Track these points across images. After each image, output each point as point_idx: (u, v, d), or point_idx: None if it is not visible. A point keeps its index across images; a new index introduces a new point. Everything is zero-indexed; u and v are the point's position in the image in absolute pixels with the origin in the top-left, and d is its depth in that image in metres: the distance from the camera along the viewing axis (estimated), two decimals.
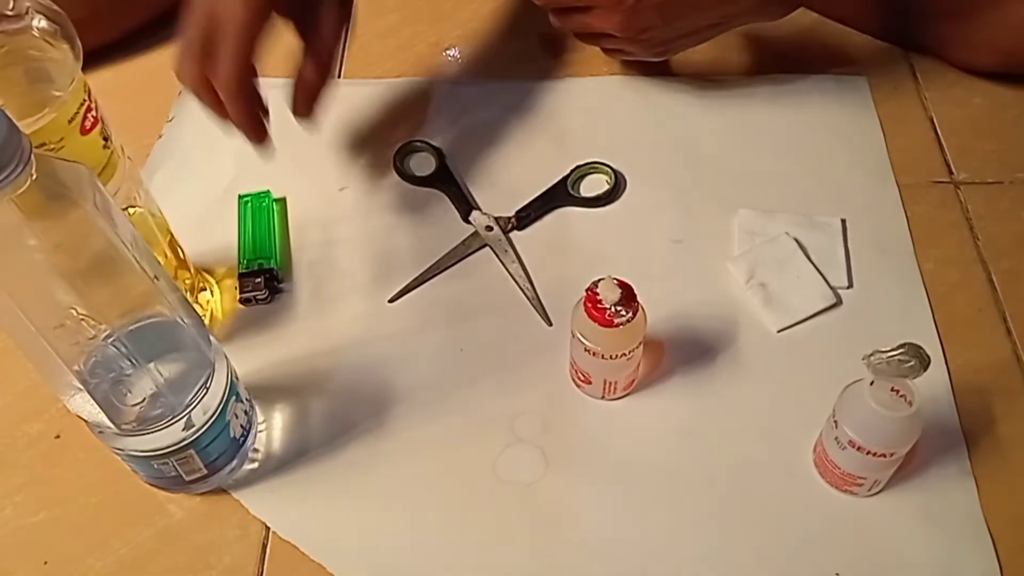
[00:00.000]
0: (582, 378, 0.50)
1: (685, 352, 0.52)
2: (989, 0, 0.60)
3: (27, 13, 0.39)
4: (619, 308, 0.45)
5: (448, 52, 0.71)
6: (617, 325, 0.45)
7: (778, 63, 0.68)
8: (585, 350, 0.47)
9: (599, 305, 0.45)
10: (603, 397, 0.50)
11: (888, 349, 0.41)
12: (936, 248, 0.57)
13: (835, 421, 0.44)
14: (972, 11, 0.62)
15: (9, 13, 0.38)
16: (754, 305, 0.54)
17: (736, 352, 0.52)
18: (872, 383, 0.42)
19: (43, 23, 0.39)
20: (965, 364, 0.51)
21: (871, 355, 0.42)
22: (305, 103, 0.55)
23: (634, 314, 0.45)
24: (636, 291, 0.46)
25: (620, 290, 0.45)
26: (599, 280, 0.46)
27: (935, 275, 0.55)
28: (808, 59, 0.68)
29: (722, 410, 0.50)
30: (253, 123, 0.53)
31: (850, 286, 0.55)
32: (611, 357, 0.47)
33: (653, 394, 0.51)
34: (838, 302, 0.54)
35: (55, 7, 0.40)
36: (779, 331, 0.53)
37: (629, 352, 0.47)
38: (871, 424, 0.43)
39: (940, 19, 0.64)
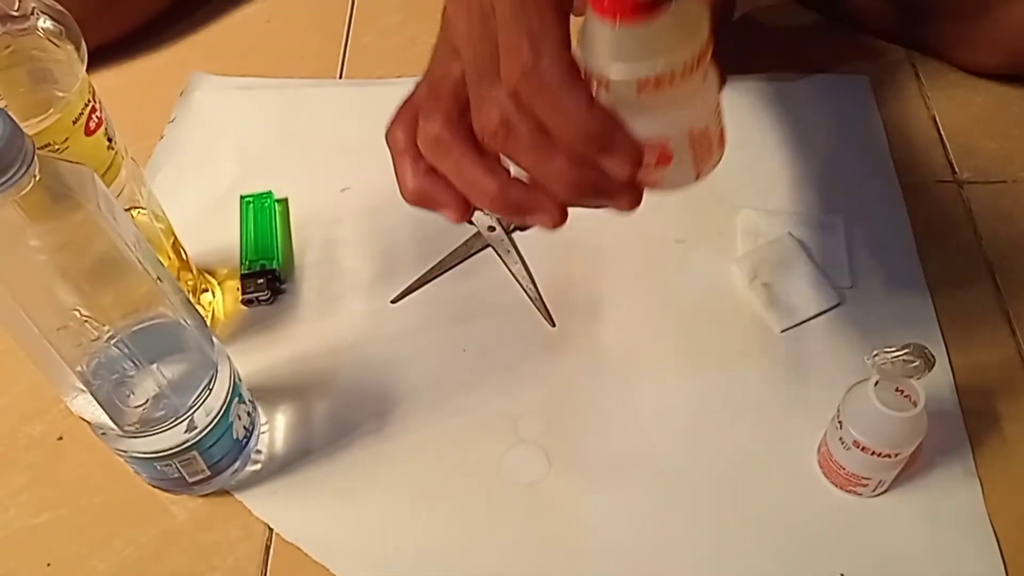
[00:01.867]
0: (658, 157, 0.32)
1: (689, 352, 0.52)
2: (989, 1, 0.60)
3: (32, 14, 0.39)
4: None
5: None
6: (663, 2, 0.27)
7: (780, 63, 0.68)
8: (639, 88, 0.29)
9: None
10: (699, 175, 0.33)
11: (893, 349, 0.41)
12: (939, 248, 0.57)
13: (839, 421, 0.44)
14: (976, 11, 0.62)
15: (14, 13, 0.38)
16: (757, 305, 0.54)
17: (740, 352, 0.52)
18: (877, 383, 0.42)
19: (48, 24, 0.39)
20: (969, 364, 0.51)
21: (876, 355, 0.42)
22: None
23: None
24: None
25: None
26: None
27: (939, 275, 0.55)
28: (810, 59, 0.68)
29: (726, 410, 0.50)
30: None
31: (853, 286, 0.55)
32: (684, 72, 0.29)
33: (656, 393, 0.51)
34: (841, 302, 0.54)
35: (60, 8, 0.40)
36: (782, 331, 0.53)
37: (705, 51, 0.29)
38: (876, 424, 0.43)
39: (943, 19, 0.64)
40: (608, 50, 0.29)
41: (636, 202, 0.34)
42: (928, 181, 0.60)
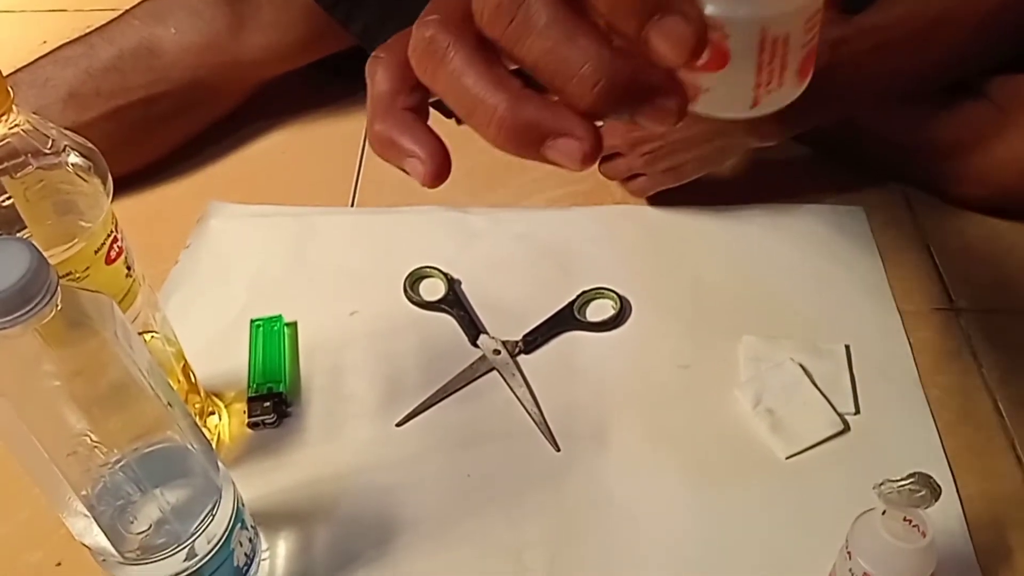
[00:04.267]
0: (711, 54, 0.24)
1: (694, 479, 0.52)
2: (978, 139, 0.63)
3: (64, 150, 0.41)
4: None
5: None
6: None
7: (777, 193, 0.70)
8: None
9: None
10: (756, 102, 0.26)
11: (898, 479, 0.41)
12: (941, 375, 0.57)
13: (848, 552, 0.44)
14: (963, 150, 0.65)
15: (47, 151, 0.40)
16: (762, 431, 0.54)
17: (746, 479, 0.52)
18: (884, 513, 0.42)
19: (78, 160, 0.41)
20: (977, 493, 0.51)
21: (881, 484, 0.41)
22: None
23: None
24: None
25: None
26: None
27: (941, 402, 0.55)
28: (805, 190, 0.71)
29: (733, 540, 0.49)
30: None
31: (857, 412, 0.55)
32: None
33: (662, 523, 0.50)
34: (846, 428, 0.54)
35: (90, 145, 0.42)
36: (787, 458, 0.53)
37: None
38: (885, 556, 0.42)
39: (932, 157, 0.67)
40: None
41: (683, 108, 0.25)
42: (926, 309, 0.62)
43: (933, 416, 0.55)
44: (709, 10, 0.23)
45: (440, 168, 0.27)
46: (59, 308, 0.34)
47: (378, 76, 0.28)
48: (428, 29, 0.26)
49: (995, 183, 0.64)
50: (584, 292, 0.63)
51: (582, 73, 0.24)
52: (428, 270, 0.65)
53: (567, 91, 0.24)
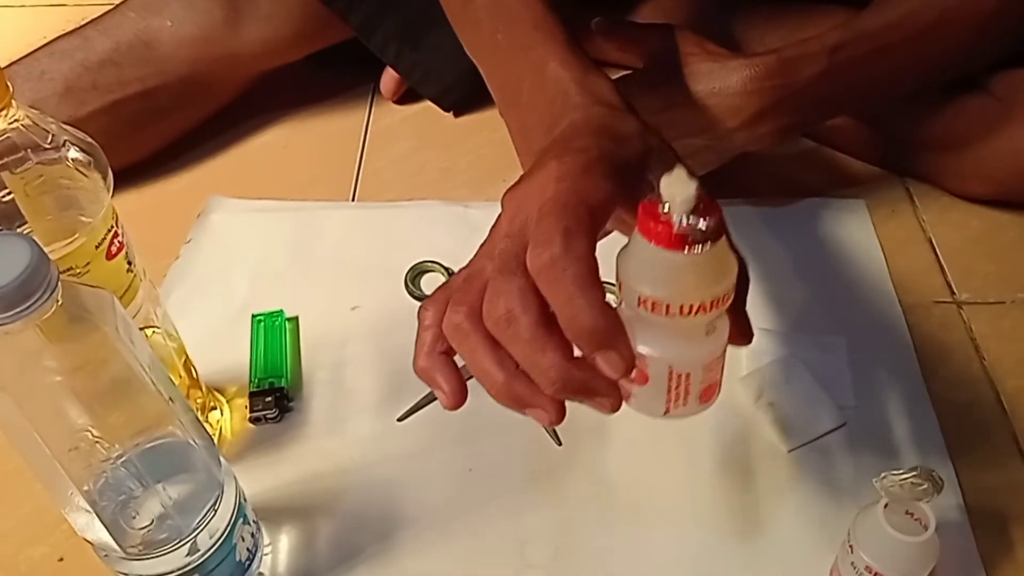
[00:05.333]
0: (637, 374, 0.34)
1: (697, 474, 0.52)
2: (980, 132, 0.63)
3: (63, 145, 0.41)
4: (694, 219, 0.29)
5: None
6: (691, 244, 0.29)
7: (778, 186, 0.70)
8: (640, 302, 0.31)
9: (661, 216, 0.29)
10: (667, 412, 0.35)
11: (900, 472, 0.41)
12: (943, 368, 0.57)
13: (850, 546, 0.44)
14: (964, 143, 0.65)
15: (46, 146, 0.40)
16: (764, 424, 0.54)
17: (748, 473, 0.52)
18: (886, 506, 0.42)
19: (78, 154, 0.41)
20: (979, 486, 0.51)
21: (883, 478, 0.41)
22: None
23: (717, 231, 0.30)
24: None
25: (695, 186, 0.29)
26: (662, 177, 0.30)
27: (943, 395, 0.55)
28: (806, 183, 0.70)
29: (736, 534, 0.49)
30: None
31: (858, 406, 0.55)
32: (684, 311, 0.31)
33: (664, 517, 0.50)
34: (847, 422, 0.54)
35: (90, 140, 0.42)
36: (789, 451, 0.53)
37: (712, 304, 0.31)
38: (888, 549, 0.42)
39: (933, 150, 0.67)
40: (641, 268, 0.32)
41: (617, 405, 0.36)
42: (927, 302, 0.61)
43: (935, 409, 0.54)
44: (639, 348, 0.33)
45: (459, 400, 0.39)
46: (60, 304, 0.34)
47: (426, 322, 0.39)
48: (457, 316, 0.37)
49: (996, 177, 0.64)
50: None
51: (548, 375, 0.34)
52: (429, 264, 0.65)
53: (538, 382, 0.35)
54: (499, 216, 0.39)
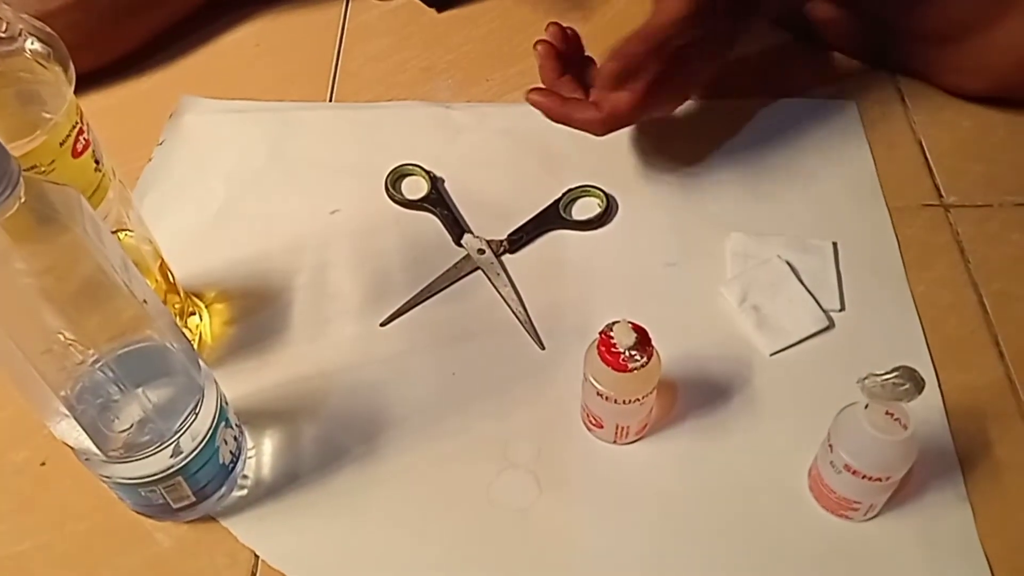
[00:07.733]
0: (594, 422, 0.49)
1: (678, 376, 0.52)
2: (978, 24, 0.61)
3: (20, 35, 0.39)
4: (634, 352, 0.44)
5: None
6: (631, 370, 0.44)
7: (767, 87, 0.68)
8: (598, 394, 0.46)
9: (613, 349, 0.44)
10: (615, 441, 0.50)
11: (882, 372, 0.41)
12: (927, 271, 0.57)
13: (830, 445, 0.44)
14: (961, 35, 0.62)
15: (2, 35, 0.38)
16: (747, 328, 0.54)
17: (730, 375, 0.52)
18: (867, 406, 0.42)
19: (36, 45, 0.39)
20: (958, 387, 0.51)
21: (865, 378, 0.42)
22: None
23: (648, 359, 0.45)
24: (650, 335, 0.45)
25: (635, 334, 0.44)
26: (614, 323, 0.45)
27: (927, 297, 0.55)
28: (796, 83, 0.69)
29: (716, 434, 0.50)
30: None
31: (842, 309, 0.55)
32: (624, 402, 0.46)
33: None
34: (831, 325, 0.54)
35: (48, 29, 0.40)
36: (772, 354, 0.53)
37: (643, 397, 0.46)
38: (867, 448, 0.43)
39: (928, 43, 0.65)
40: (600, 374, 0.46)
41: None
42: (915, 205, 0.61)
43: (918, 311, 0.55)
44: (596, 412, 0.49)
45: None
46: (23, 200, 0.32)
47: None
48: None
49: (997, 70, 0.62)
50: (570, 190, 0.62)
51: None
52: (410, 167, 0.64)
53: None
54: None
